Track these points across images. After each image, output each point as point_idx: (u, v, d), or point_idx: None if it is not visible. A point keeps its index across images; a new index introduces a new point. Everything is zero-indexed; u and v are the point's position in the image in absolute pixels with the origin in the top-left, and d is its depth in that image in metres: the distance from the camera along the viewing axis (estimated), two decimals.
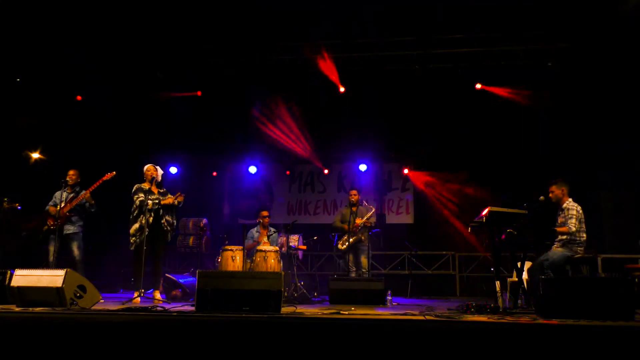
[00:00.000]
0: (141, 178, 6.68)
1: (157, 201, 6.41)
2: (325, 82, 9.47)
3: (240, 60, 9.34)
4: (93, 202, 6.76)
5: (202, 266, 8.86)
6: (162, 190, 6.65)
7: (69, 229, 6.71)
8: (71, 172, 6.89)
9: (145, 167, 6.66)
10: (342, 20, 8.26)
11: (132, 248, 6.34)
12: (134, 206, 6.43)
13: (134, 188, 6.55)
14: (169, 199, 6.45)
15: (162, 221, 6.43)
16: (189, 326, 4.24)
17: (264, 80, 9.50)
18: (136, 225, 6.34)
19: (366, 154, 10.58)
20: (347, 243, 7.62)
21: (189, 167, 10.86)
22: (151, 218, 6.35)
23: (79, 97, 9.56)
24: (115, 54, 8.95)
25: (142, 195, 6.42)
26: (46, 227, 6.65)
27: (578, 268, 6.05)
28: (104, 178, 6.71)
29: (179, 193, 6.50)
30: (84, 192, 6.73)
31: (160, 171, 6.73)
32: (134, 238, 6.33)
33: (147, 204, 6.32)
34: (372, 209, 7.72)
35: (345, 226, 7.69)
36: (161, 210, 6.43)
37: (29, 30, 8.17)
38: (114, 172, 6.77)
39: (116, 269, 9.64)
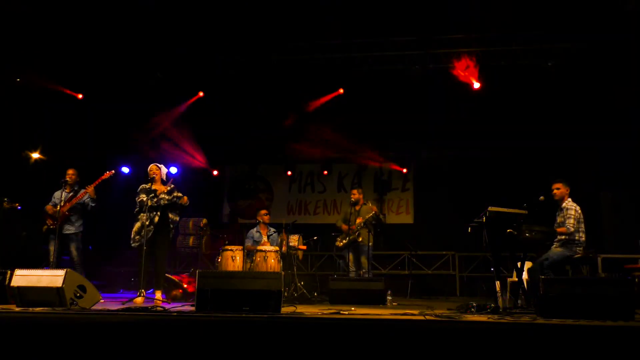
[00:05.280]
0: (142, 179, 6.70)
1: (155, 200, 6.37)
2: (326, 82, 9.50)
3: (241, 60, 9.35)
4: (95, 196, 6.69)
5: (202, 266, 8.85)
6: (168, 188, 6.61)
7: (69, 229, 6.69)
8: (70, 172, 6.83)
9: (149, 167, 6.66)
10: (342, 20, 8.26)
11: (133, 245, 6.32)
12: (137, 206, 6.45)
13: (138, 188, 6.56)
14: (166, 196, 6.40)
15: (168, 221, 6.43)
16: (189, 326, 4.24)
17: (265, 79, 9.51)
18: (138, 224, 6.33)
19: (366, 153, 10.58)
20: (344, 241, 7.66)
21: (189, 167, 10.85)
22: (157, 217, 6.34)
23: (79, 96, 9.55)
24: (115, 54, 8.96)
25: (144, 195, 6.42)
26: (45, 227, 6.64)
27: (578, 268, 6.07)
28: (103, 177, 6.72)
29: (172, 192, 6.50)
30: (83, 190, 6.71)
31: (164, 170, 6.72)
32: (137, 237, 6.30)
33: (147, 203, 6.32)
34: (372, 211, 7.70)
35: (345, 226, 7.72)
36: (168, 210, 6.42)
37: (28, 30, 8.18)
38: (113, 171, 6.80)
39: (116, 269, 9.65)
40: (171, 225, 6.47)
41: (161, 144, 10.03)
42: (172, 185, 6.62)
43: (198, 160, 10.61)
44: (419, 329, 4.17)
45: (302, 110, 10.02)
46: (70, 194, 6.76)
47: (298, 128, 10.06)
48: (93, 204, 6.75)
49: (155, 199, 6.36)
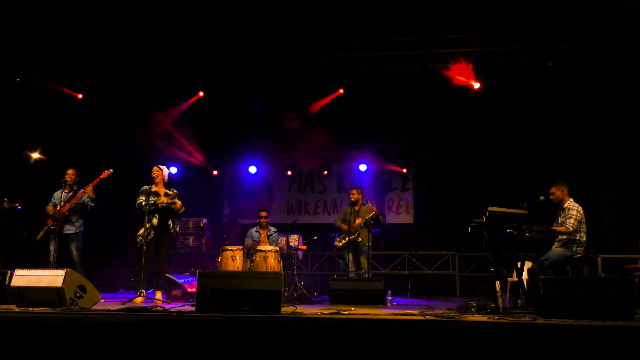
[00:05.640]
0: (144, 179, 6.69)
1: (152, 202, 6.35)
2: (326, 82, 9.51)
3: (241, 60, 9.36)
4: (94, 196, 6.68)
5: (202, 266, 8.85)
6: (169, 192, 6.56)
7: (69, 229, 6.69)
8: (70, 172, 6.82)
9: (152, 169, 6.65)
10: (342, 20, 8.26)
11: (138, 247, 6.35)
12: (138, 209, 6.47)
13: (140, 190, 6.55)
14: (163, 199, 6.38)
15: (168, 222, 6.42)
16: (189, 326, 4.24)
17: (265, 80, 9.51)
18: (143, 229, 6.33)
19: (366, 154, 10.58)
20: (343, 241, 7.66)
21: (189, 167, 10.86)
22: (156, 220, 6.34)
23: (79, 96, 9.56)
24: (115, 54, 8.96)
25: (143, 197, 6.41)
26: (46, 227, 6.64)
27: (578, 268, 6.07)
28: (102, 176, 6.67)
29: (173, 198, 6.48)
30: (82, 190, 6.71)
31: (165, 171, 6.69)
32: (140, 238, 6.30)
33: (145, 205, 6.31)
34: (372, 211, 7.69)
35: (344, 226, 7.71)
36: (166, 213, 6.41)
37: (28, 30, 8.18)
38: (112, 170, 6.74)
39: (116, 269, 9.65)
40: (172, 228, 6.46)
41: (161, 144, 10.03)
42: (176, 191, 6.59)
43: (198, 160, 10.62)
44: (419, 329, 4.17)
45: (302, 111, 10.03)
46: (70, 194, 6.76)
47: (298, 128, 10.06)
48: (92, 204, 6.74)
49: (153, 201, 6.35)
